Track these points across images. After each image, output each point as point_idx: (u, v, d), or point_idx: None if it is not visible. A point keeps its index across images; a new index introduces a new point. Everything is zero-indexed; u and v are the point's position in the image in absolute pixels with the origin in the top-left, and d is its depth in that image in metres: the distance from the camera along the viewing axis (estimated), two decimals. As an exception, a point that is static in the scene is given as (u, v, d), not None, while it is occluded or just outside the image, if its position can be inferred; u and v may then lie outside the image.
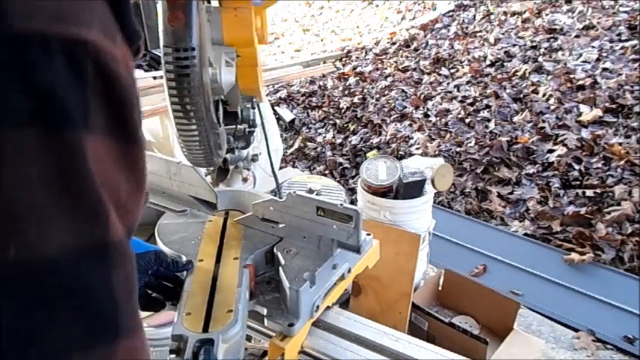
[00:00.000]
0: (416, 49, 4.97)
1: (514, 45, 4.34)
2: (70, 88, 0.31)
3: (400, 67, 4.66)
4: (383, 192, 1.73)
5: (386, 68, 4.71)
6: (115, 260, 0.33)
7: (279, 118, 4.15)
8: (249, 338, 1.41)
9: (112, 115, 0.34)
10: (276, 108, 4.35)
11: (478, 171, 3.03)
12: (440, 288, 1.94)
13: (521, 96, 3.57)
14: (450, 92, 3.95)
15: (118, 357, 0.34)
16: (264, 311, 0.85)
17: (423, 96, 4.00)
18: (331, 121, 4.06)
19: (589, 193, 2.61)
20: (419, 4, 6.45)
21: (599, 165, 2.76)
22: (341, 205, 0.89)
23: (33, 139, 0.30)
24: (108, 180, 0.33)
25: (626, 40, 3.88)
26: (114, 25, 0.36)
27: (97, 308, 0.33)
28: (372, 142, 3.61)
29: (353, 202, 2.43)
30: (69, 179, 0.31)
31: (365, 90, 4.36)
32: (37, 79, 0.30)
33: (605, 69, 3.56)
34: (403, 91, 4.17)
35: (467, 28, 5.08)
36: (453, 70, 4.30)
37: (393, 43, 5.29)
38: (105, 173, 0.33)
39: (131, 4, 0.39)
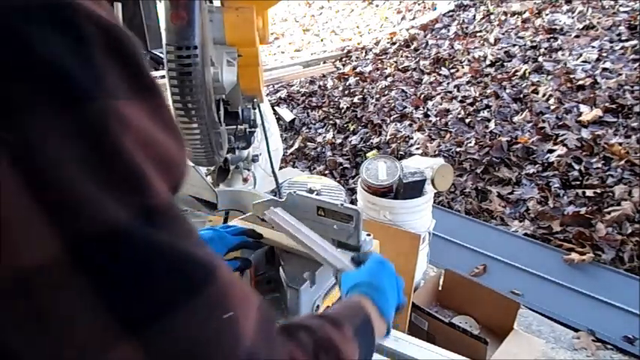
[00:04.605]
0: (416, 49, 4.97)
1: (514, 45, 4.34)
2: (74, 55, 0.29)
3: (400, 67, 4.66)
4: (383, 192, 1.73)
5: (386, 68, 4.71)
6: (165, 220, 0.32)
7: (279, 118, 4.15)
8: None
9: (128, 73, 0.32)
10: (276, 108, 4.35)
11: (478, 171, 3.03)
12: (440, 288, 1.94)
13: (521, 96, 3.57)
14: (450, 92, 3.95)
15: (214, 298, 0.33)
16: (265, 311, 0.85)
17: (423, 96, 4.01)
18: (331, 121, 4.06)
19: (589, 193, 2.61)
20: (419, 4, 6.45)
21: (599, 165, 2.76)
22: (341, 205, 0.89)
23: (54, 120, 0.29)
24: (149, 140, 0.33)
25: (626, 40, 3.88)
26: None
27: (170, 266, 0.32)
28: (372, 142, 3.61)
29: (353, 202, 2.43)
30: (102, 155, 0.30)
31: (365, 90, 4.36)
32: (36, 55, 0.28)
33: (605, 69, 3.56)
34: (403, 91, 4.17)
35: (467, 28, 5.08)
36: (453, 70, 4.31)
37: (393, 43, 5.29)
38: (145, 134, 0.32)
39: None
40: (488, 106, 3.58)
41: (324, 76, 4.94)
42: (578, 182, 2.73)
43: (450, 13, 5.62)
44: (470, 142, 3.25)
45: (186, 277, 0.32)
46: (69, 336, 0.29)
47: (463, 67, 4.24)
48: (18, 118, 0.27)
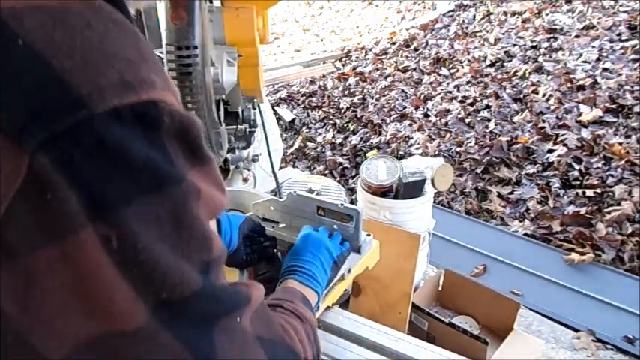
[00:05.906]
0: (416, 49, 4.97)
1: (514, 45, 4.34)
2: (157, 150, 0.35)
3: (400, 67, 4.66)
4: (383, 192, 1.73)
5: (386, 68, 4.71)
6: (218, 270, 0.41)
7: (279, 118, 4.15)
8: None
9: (190, 149, 0.38)
10: (276, 108, 4.35)
11: (478, 171, 3.03)
12: (440, 288, 1.94)
13: (521, 96, 3.57)
14: (450, 92, 3.95)
15: (250, 311, 0.44)
16: (265, 311, 0.85)
17: (423, 96, 4.01)
18: (331, 121, 4.06)
19: (589, 193, 2.61)
20: (419, 4, 6.45)
21: (599, 165, 2.76)
22: (341, 205, 0.89)
23: (149, 207, 0.34)
24: (209, 200, 0.39)
25: (626, 40, 3.88)
26: (162, 68, 0.38)
27: (219, 297, 0.40)
28: (372, 142, 3.61)
29: (353, 202, 2.43)
30: (183, 229, 0.36)
31: (365, 90, 4.36)
32: (129, 155, 0.33)
33: (605, 69, 3.56)
34: (403, 91, 4.17)
35: (467, 28, 5.08)
36: (453, 70, 4.30)
37: (393, 43, 5.29)
38: (206, 196, 0.39)
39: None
40: (488, 106, 3.58)
41: (324, 76, 4.94)
42: (578, 182, 2.73)
43: (450, 13, 5.61)
44: (470, 142, 3.24)
45: (231, 300, 0.42)
46: None
47: (463, 67, 4.24)
48: (115, 214, 0.32)
